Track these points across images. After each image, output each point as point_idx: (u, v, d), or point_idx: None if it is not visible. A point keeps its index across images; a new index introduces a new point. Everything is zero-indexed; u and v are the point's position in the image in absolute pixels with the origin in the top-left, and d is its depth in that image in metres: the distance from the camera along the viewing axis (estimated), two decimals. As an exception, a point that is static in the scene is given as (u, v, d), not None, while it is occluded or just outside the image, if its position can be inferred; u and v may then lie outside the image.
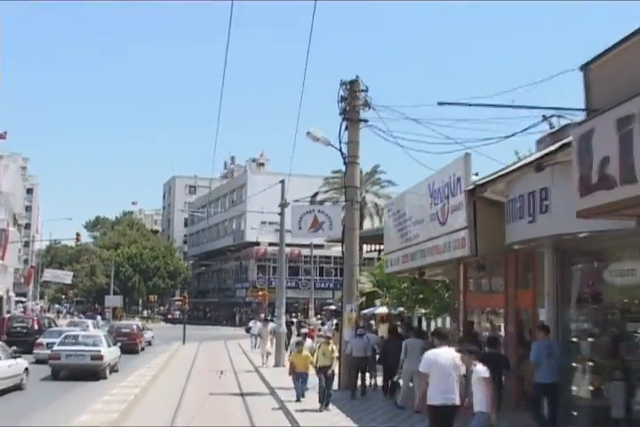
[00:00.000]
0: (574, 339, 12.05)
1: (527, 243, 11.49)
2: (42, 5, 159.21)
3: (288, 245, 50.65)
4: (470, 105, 10.67)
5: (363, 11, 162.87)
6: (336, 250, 35.99)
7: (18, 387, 18.15)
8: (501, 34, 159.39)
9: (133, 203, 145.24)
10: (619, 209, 8.04)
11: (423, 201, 15.41)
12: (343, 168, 20.94)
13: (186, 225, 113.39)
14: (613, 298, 11.27)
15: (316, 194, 66.77)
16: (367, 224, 57.35)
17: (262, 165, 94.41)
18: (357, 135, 19.51)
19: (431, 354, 9.45)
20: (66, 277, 76.54)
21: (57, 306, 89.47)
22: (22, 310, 64.61)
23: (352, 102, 19.33)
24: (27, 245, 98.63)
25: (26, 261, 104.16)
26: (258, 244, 78.99)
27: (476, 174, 14.65)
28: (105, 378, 21.27)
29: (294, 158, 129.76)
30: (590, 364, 11.71)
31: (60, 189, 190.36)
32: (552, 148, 9.82)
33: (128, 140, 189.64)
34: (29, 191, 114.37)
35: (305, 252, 69.67)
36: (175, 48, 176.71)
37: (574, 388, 11.98)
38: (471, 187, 12.60)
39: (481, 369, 9.02)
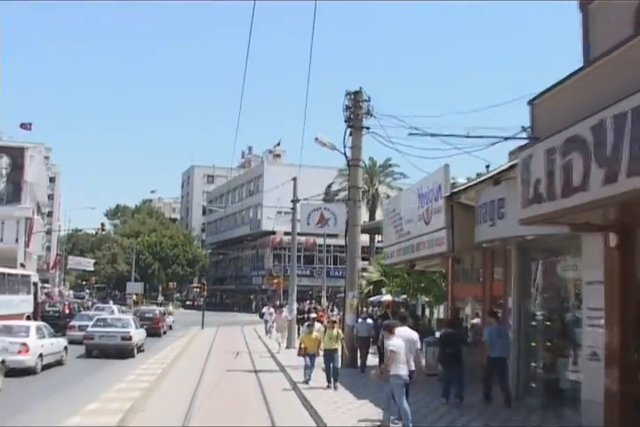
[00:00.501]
0: (533, 323, 14.28)
1: (491, 242, 13.74)
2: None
3: (303, 234, 53.07)
4: (433, 135, 12.78)
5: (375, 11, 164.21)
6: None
7: (59, 362, 20.68)
8: (504, 35, 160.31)
9: (152, 191, 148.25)
10: (547, 219, 10.23)
11: (413, 203, 17.66)
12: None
13: (204, 213, 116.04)
14: (564, 288, 13.47)
15: (331, 185, 69.42)
16: (380, 214, 59.46)
17: (278, 156, 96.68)
18: (360, 141, 21.74)
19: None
20: (88, 264, 79.35)
21: (81, 292, 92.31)
22: (44, 296, 67.30)
23: (355, 111, 21.51)
24: (48, 232, 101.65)
25: (48, 249, 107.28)
26: (274, 233, 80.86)
27: (488, 166, 16.65)
28: (133, 357, 23.76)
29: (310, 149, 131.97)
30: (547, 344, 13.96)
31: (80, 177, 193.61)
32: (505, 166, 12.02)
33: (147, 129, 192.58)
34: (52, 180, 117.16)
35: (320, 241, 71.80)
36: (198, 39, 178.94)
37: (533, 364, 14.25)
38: (449, 193, 14.83)
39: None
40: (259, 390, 17.14)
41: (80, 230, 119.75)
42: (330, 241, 66.04)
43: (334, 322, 18.90)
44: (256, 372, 20.85)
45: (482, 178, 13.39)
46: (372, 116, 21.40)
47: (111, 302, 62.76)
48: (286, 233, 73.00)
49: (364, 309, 26.80)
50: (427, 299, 31.68)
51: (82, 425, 11.60)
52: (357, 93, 21.61)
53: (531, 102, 12.33)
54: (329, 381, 16.78)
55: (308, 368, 17.59)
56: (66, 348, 21.41)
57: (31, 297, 30.26)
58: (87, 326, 25.29)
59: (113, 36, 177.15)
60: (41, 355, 18.76)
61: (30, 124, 77.58)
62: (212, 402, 14.86)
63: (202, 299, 58.33)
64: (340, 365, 18.36)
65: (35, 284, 31.34)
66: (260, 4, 19.78)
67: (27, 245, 69.26)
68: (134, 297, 67.85)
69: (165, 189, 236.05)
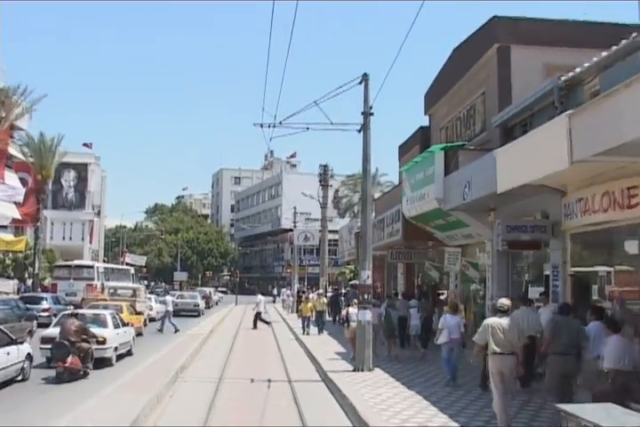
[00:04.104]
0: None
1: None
2: None
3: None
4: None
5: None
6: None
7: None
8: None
9: (184, 188, 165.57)
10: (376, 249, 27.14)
11: (347, 232, 34.61)
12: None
13: (232, 211, 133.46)
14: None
15: (337, 191, 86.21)
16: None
17: (294, 166, 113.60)
18: (327, 193, 38.80)
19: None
20: (141, 260, 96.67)
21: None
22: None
23: (325, 176, 38.58)
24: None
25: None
26: (291, 230, 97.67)
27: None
28: (199, 316, 40.95)
29: (325, 157, 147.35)
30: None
31: (121, 177, 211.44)
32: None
33: (178, 131, 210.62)
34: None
35: (330, 236, 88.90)
36: (230, 49, 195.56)
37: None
38: (355, 231, 31.76)
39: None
40: (270, 331, 34.19)
41: (124, 227, 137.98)
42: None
43: (321, 294, 35.17)
44: (269, 321, 37.96)
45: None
46: (333, 178, 38.61)
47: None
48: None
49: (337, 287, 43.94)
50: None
51: (193, 332, 28.50)
52: (326, 166, 38.68)
53: (374, 200, 29.18)
54: (319, 331, 31.07)
55: (304, 325, 31.18)
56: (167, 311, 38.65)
57: (131, 283, 47.42)
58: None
59: (150, 42, 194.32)
60: (157, 312, 35.97)
61: (91, 143, 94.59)
62: (246, 332, 31.95)
63: (236, 284, 75.75)
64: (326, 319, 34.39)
65: (132, 275, 48.54)
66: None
67: (90, 242, 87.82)
68: (181, 284, 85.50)
69: (196, 186, 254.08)
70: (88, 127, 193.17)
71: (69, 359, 15.03)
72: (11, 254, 53.91)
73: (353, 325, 17.68)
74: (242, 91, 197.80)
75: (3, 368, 13.69)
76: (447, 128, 23.14)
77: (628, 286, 12.06)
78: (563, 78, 14.15)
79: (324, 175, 38.31)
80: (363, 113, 16.67)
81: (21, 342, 15.68)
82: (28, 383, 14.97)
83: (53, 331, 17.24)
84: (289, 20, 14.89)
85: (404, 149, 27.23)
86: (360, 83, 16.84)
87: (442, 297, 21.87)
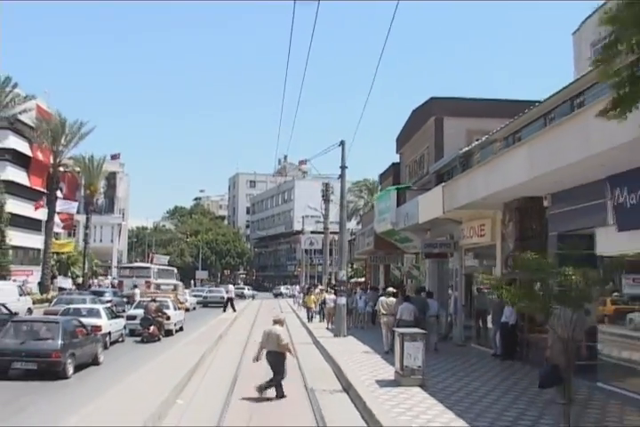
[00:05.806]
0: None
1: (358, 259, 39.09)
2: None
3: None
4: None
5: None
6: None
7: (194, 308, 46.53)
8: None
9: (201, 190, 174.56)
10: (361, 254, 35.60)
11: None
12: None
13: (248, 213, 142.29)
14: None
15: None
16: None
17: (305, 172, 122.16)
18: (329, 207, 47.27)
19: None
20: (164, 260, 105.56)
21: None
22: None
23: (327, 193, 47.07)
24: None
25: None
26: (303, 232, 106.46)
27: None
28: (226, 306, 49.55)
29: (334, 163, 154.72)
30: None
31: (142, 179, 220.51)
32: (357, 234, 37.38)
33: (196, 136, 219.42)
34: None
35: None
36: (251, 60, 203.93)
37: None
38: (349, 239, 40.22)
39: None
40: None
41: (146, 228, 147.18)
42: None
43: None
44: (282, 311, 46.44)
45: (355, 236, 38.68)
46: (332, 193, 47.15)
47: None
48: (312, 232, 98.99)
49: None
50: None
51: (222, 317, 37.01)
52: (327, 184, 47.17)
53: (359, 218, 37.46)
54: (321, 319, 40.72)
55: (309, 314, 41.58)
56: (197, 303, 47.38)
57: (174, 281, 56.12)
58: (200, 295, 51.29)
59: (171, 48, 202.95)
60: (190, 303, 44.59)
61: (119, 154, 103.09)
62: (263, 319, 40.46)
63: (252, 282, 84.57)
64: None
65: (176, 274, 57.22)
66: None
67: (118, 243, 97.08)
68: (202, 281, 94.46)
69: (212, 188, 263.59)
70: (110, 130, 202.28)
71: (151, 328, 23.69)
72: (55, 255, 63.09)
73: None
74: (257, 97, 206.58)
75: (115, 331, 22.33)
76: (410, 166, 31.52)
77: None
78: (460, 151, 22.59)
79: (326, 191, 46.69)
80: (340, 167, 25.21)
81: (122, 317, 24.34)
82: (125, 344, 23.58)
83: (135, 311, 26.02)
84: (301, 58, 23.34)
85: (383, 178, 35.70)
86: (339, 145, 25.37)
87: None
